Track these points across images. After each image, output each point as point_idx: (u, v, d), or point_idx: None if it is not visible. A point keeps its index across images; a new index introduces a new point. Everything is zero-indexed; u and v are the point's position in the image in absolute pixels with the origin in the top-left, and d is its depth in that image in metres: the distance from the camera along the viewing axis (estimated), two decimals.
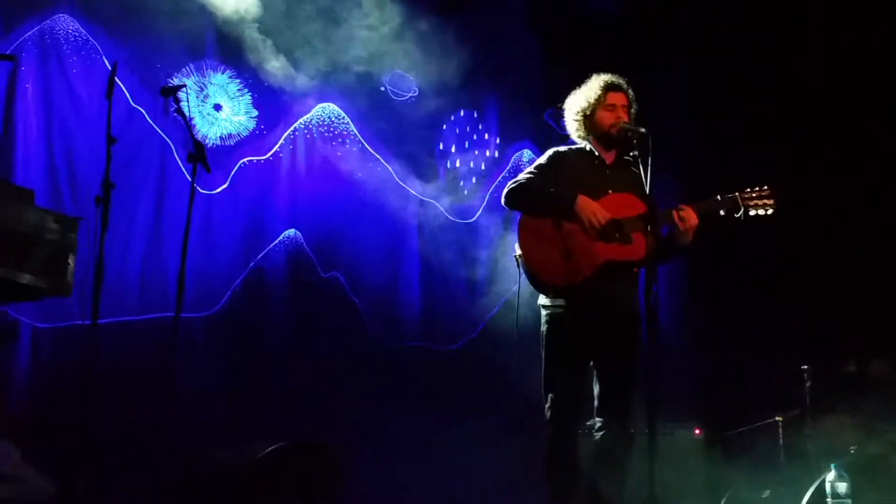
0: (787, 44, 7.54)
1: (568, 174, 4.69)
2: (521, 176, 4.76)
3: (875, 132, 7.29)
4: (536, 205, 4.65)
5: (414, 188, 7.36)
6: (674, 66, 7.96)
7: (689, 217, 4.52)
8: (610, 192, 4.63)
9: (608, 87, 4.79)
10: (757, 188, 4.64)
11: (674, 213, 4.54)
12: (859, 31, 7.34)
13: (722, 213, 4.64)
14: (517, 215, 4.76)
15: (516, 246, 4.73)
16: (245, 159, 6.59)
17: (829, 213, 7.23)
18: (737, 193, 4.64)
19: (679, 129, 7.84)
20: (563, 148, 4.87)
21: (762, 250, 7.25)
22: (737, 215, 4.62)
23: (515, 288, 7.44)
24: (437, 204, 7.46)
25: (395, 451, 6.58)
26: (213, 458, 5.36)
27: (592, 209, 4.51)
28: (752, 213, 4.62)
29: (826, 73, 7.49)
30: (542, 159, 4.82)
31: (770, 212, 4.61)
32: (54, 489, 4.42)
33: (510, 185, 4.73)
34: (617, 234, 4.52)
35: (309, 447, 5.42)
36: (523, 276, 4.77)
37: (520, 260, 4.74)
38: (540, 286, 4.67)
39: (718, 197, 4.65)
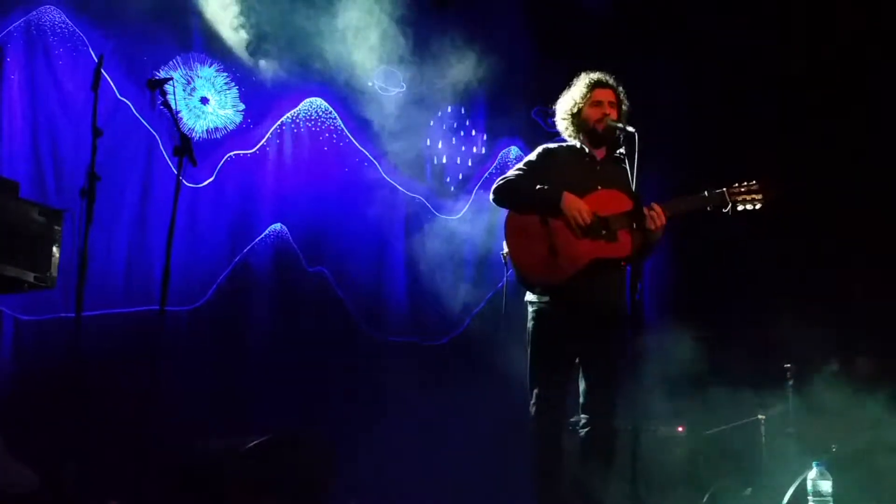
0: (784, 39, 7.56)
1: (557, 171, 4.70)
2: (510, 172, 4.77)
3: (870, 127, 7.32)
4: (523, 202, 4.66)
5: (400, 184, 7.35)
6: (667, 64, 7.96)
7: (658, 216, 4.53)
8: (599, 188, 4.64)
9: (594, 84, 4.82)
10: (745, 183, 4.65)
11: (645, 210, 4.54)
12: (857, 24, 7.37)
13: (709, 208, 4.64)
14: (504, 212, 4.77)
15: (504, 243, 4.73)
16: (231, 153, 6.58)
17: (816, 211, 7.26)
18: (724, 189, 4.65)
19: (673, 125, 7.86)
20: (553, 145, 4.88)
21: (747, 248, 7.28)
22: (724, 210, 4.63)
23: (500, 285, 7.47)
24: (423, 200, 7.46)
25: (379, 445, 6.58)
26: (199, 451, 5.36)
27: (578, 206, 4.51)
28: (740, 207, 4.62)
29: (823, 69, 7.54)
30: (532, 156, 4.83)
31: (758, 206, 4.62)
32: (39, 481, 4.42)
33: (498, 181, 4.74)
34: (603, 232, 4.52)
35: (294, 440, 5.42)
36: (510, 272, 4.78)
37: (506, 257, 4.73)
38: (526, 283, 4.68)
39: (706, 192, 4.65)
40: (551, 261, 4.55)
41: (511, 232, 4.68)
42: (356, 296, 7.02)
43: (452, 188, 7.67)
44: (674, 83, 8.06)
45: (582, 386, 4.67)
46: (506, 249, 4.72)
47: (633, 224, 4.39)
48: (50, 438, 4.64)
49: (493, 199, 4.76)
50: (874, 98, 7.43)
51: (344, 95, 7.08)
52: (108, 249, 5.95)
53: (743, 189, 4.64)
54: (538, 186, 4.61)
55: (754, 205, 4.64)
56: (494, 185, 4.74)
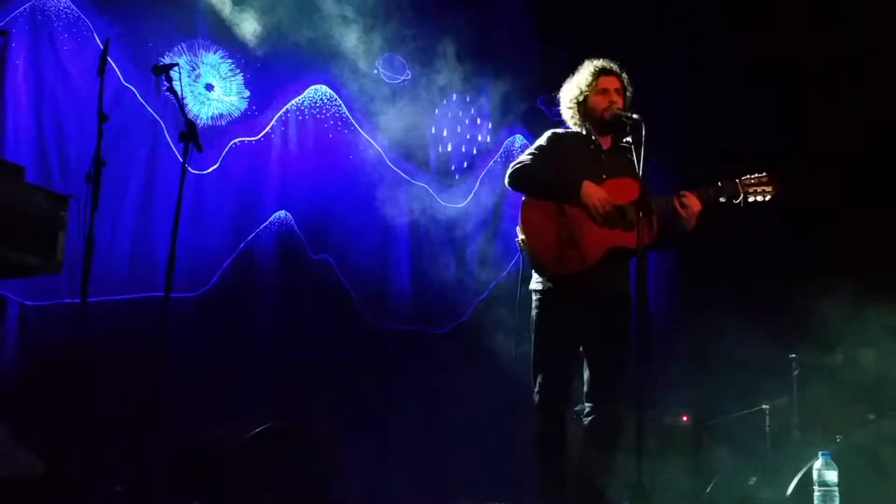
0: (787, 32, 7.54)
1: (565, 157, 4.69)
2: (524, 157, 4.74)
3: (874, 119, 7.31)
4: (541, 189, 4.65)
5: (405, 171, 7.34)
6: (673, 52, 7.94)
7: (691, 203, 4.53)
8: (604, 176, 4.63)
9: (600, 72, 4.80)
10: (756, 175, 4.65)
11: (675, 199, 4.54)
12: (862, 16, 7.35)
13: (722, 199, 4.65)
14: (508, 202, 4.79)
15: (518, 229, 4.71)
16: (236, 140, 6.56)
17: (822, 202, 7.25)
18: (737, 180, 4.65)
19: (679, 115, 7.84)
20: (560, 130, 4.87)
21: (753, 237, 7.27)
22: (736, 201, 4.63)
23: (504, 273, 7.48)
24: (427, 188, 7.44)
25: (382, 433, 6.59)
26: (203, 439, 5.37)
27: (599, 195, 4.50)
28: (751, 199, 4.63)
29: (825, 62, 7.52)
30: (542, 140, 4.81)
31: (768, 198, 4.63)
32: (43, 467, 4.42)
33: (514, 166, 4.71)
34: (620, 221, 4.52)
35: (298, 427, 5.42)
36: (523, 259, 4.76)
37: (522, 244, 4.70)
38: (541, 271, 4.66)
39: (719, 183, 4.66)
40: (570, 250, 4.53)
41: (528, 219, 4.65)
42: (360, 283, 7.01)
43: (457, 176, 7.66)
44: (678, 75, 8.04)
45: (586, 374, 4.67)
46: (521, 236, 4.69)
47: (639, 212, 4.37)
48: (54, 424, 4.64)
49: (509, 184, 4.73)
50: (875, 96, 7.41)
51: (349, 83, 7.06)
52: (112, 235, 5.94)
53: (753, 180, 4.65)
54: (556, 175, 4.60)
55: (764, 197, 4.64)
56: (510, 170, 4.71)
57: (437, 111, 7.54)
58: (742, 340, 6.66)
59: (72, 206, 4.57)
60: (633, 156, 4.43)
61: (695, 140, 8.00)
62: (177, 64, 4.81)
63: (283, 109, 6.81)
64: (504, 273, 7.57)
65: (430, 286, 7.35)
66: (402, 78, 7.32)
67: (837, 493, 4.66)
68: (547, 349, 4.63)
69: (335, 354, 6.65)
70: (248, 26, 6.51)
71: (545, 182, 4.63)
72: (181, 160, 4.62)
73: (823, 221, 7.37)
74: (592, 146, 4.77)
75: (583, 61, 4.91)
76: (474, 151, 7.79)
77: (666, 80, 7.68)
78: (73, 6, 5.92)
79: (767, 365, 6.49)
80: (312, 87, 6.96)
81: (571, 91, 4.84)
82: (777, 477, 5.46)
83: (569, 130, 4.87)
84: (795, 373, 6.23)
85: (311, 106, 6.95)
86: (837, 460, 4.73)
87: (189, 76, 6.34)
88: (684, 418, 6.57)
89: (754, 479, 5.72)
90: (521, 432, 5.25)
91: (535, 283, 4.70)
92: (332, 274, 6.89)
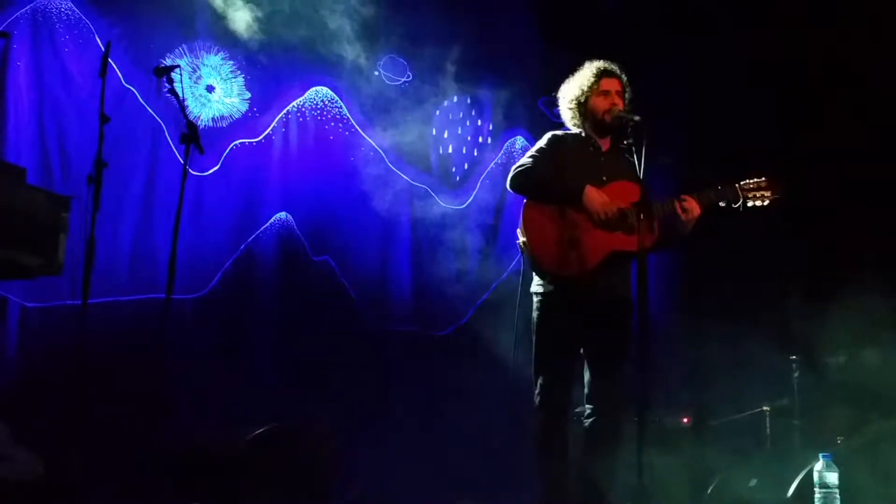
0: (787, 32, 7.54)
1: (564, 159, 4.69)
2: (525, 160, 4.74)
3: (874, 119, 7.31)
4: (542, 193, 4.65)
5: (406, 173, 7.34)
6: (674, 53, 7.94)
7: (692, 208, 4.54)
8: (605, 178, 4.64)
9: (601, 74, 4.80)
10: (755, 179, 4.66)
11: (676, 203, 4.54)
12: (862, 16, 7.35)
13: (722, 203, 4.65)
14: (509, 203, 4.78)
15: (519, 231, 4.71)
16: (237, 141, 6.55)
17: (824, 203, 7.25)
18: (737, 184, 4.65)
19: (679, 116, 7.84)
20: (560, 132, 4.88)
21: (755, 239, 7.27)
22: (735, 206, 4.64)
23: (505, 275, 7.48)
24: (428, 189, 7.45)
25: (382, 434, 6.58)
26: (203, 439, 5.37)
27: (602, 200, 4.51)
28: (750, 203, 4.64)
29: (826, 62, 7.53)
30: (543, 143, 4.81)
31: (766, 203, 4.63)
32: (43, 467, 4.42)
33: (516, 169, 4.72)
34: (621, 224, 4.52)
35: (298, 429, 5.42)
36: (524, 261, 4.76)
37: (524, 246, 4.70)
38: (542, 273, 4.66)
39: (719, 187, 4.66)
40: (572, 253, 4.54)
41: (529, 222, 4.66)
42: (361, 285, 7.01)
43: (458, 178, 7.67)
44: (678, 75, 8.03)
45: (587, 376, 4.67)
46: (522, 238, 4.69)
47: (640, 214, 4.37)
48: (54, 425, 4.64)
49: (511, 187, 4.74)
50: (875, 96, 7.41)
51: (349, 84, 7.07)
52: (113, 237, 5.94)
53: (753, 185, 4.65)
54: (558, 180, 4.60)
55: (763, 201, 4.65)
56: (512, 173, 4.72)
57: (437, 112, 7.54)
58: (743, 342, 6.67)
59: (73, 208, 4.56)
60: (632, 157, 4.43)
61: (695, 140, 7.99)
62: (178, 66, 4.82)
63: (284, 111, 6.81)
64: (505, 275, 7.57)
65: (430, 287, 7.35)
66: (403, 79, 7.32)
67: (838, 495, 4.66)
68: (548, 351, 4.63)
69: (336, 356, 6.65)
70: (250, 27, 6.50)
71: (547, 186, 4.63)
72: (182, 162, 4.63)
73: (823, 221, 7.36)
74: (592, 148, 4.78)
75: (583, 61, 4.91)
76: (475, 153, 7.79)
77: (667, 80, 7.68)
78: (74, 8, 5.92)
79: (768, 366, 6.49)
80: (313, 88, 6.97)
81: (572, 91, 4.84)
82: (778, 479, 5.45)
83: (568, 132, 4.87)
84: (796, 374, 6.22)
85: (311, 107, 6.95)
86: (838, 462, 4.73)
87: (190, 78, 6.34)
88: (685, 420, 6.56)
89: (755, 480, 5.72)
90: (521, 433, 5.25)
91: (536, 284, 4.71)
92: (333, 275, 6.89)
